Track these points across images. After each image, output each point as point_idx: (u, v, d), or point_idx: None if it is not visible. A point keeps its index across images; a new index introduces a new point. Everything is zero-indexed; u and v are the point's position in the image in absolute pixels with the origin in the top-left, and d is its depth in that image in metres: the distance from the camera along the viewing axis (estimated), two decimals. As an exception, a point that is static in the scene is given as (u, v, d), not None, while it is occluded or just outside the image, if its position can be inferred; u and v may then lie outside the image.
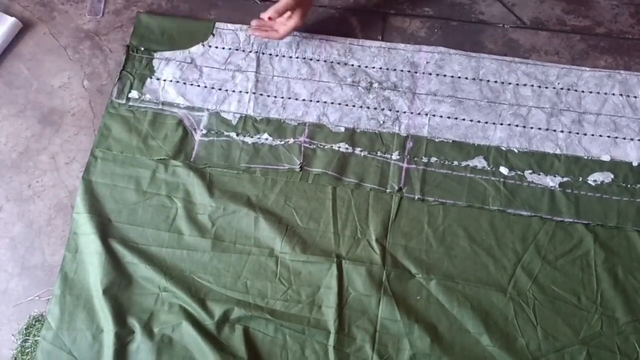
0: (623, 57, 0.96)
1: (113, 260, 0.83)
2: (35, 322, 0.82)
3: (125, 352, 0.79)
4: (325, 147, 0.89)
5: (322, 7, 1.01)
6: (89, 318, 0.81)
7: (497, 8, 1.01)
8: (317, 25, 0.99)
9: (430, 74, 0.93)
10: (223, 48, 0.96)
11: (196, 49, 0.96)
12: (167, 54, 0.96)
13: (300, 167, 0.88)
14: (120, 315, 0.80)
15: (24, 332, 0.82)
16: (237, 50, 0.96)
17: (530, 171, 0.87)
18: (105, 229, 0.85)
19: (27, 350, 0.81)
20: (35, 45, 0.99)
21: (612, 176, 0.87)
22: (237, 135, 0.90)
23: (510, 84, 0.93)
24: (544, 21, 1.00)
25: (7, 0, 1.02)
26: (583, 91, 0.92)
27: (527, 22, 1.00)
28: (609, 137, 0.89)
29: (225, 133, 0.90)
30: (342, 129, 0.91)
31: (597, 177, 0.87)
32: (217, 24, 0.98)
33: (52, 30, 1.00)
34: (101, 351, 0.79)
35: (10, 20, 0.98)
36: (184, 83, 0.94)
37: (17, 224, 0.88)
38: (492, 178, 0.87)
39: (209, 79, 0.94)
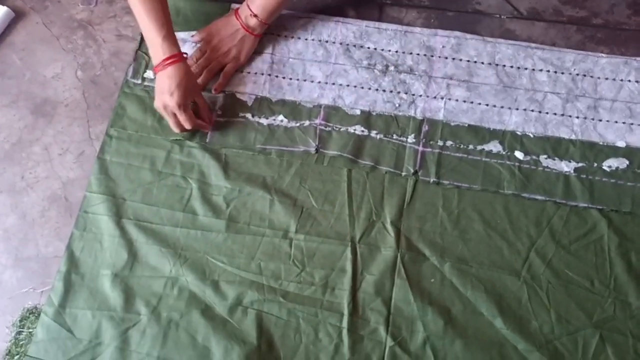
0: (620, 48, 0.96)
1: (126, 242, 0.83)
2: (30, 314, 0.82)
3: (127, 335, 0.79)
4: (341, 129, 0.89)
5: None
6: (91, 298, 0.80)
7: None
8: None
9: (447, 57, 0.93)
10: (238, 29, 0.96)
11: (211, 30, 0.96)
12: (182, 34, 0.95)
13: (316, 149, 0.88)
14: (127, 298, 0.80)
15: (18, 324, 0.81)
16: (252, 31, 0.96)
17: (546, 156, 0.87)
18: (119, 209, 0.85)
19: (21, 343, 0.80)
20: (27, 35, 0.98)
21: (627, 162, 0.87)
22: (253, 116, 0.90)
23: (526, 69, 0.92)
24: (540, 12, 0.99)
25: None
26: (599, 77, 0.92)
27: (524, 12, 0.99)
28: (624, 123, 0.89)
29: (241, 114, 0.90)
30: (358, 112, 0.90)
31: (612, 163, 0.87)
32: (233, 5, 0.97)
33: (45, 20, 1.00)
34: (100, 331, 0.79)
35: (2, 10, 0.97)
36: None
37: (10, 216, 0.88)
38: (507, 162, 0.87)
39: (224, 60, 0.94)
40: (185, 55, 0.85)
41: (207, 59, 0.91)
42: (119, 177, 0.87)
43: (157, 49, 0.83)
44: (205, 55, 0.91)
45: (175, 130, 0.86)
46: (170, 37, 0.83)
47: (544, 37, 0.97)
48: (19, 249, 0.86)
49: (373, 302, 0.80)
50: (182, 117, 0.84)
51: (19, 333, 0.81)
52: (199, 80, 0.90)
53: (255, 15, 0.88)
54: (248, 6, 0.88)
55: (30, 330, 0.80)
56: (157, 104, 0.85)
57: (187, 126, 0.85)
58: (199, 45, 0.93)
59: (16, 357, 0.79)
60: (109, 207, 0.85)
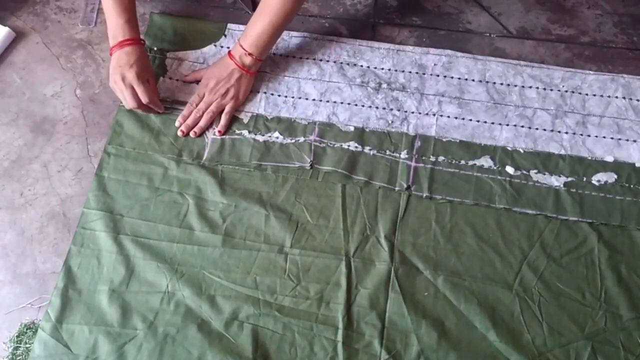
0: (607, 65, 0.98)
1: (123, 258, 0.84)
2: (27, 329, 0.82)
3: (124, 350, 0.79)
4: (335, 145, 0.91)
5: (312, 17, 1.03)
6: (88, 313, 0.81)
7: (484, 17, 1.03)
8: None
9: (438, 75, 0.95)
10: (234, 48, 0.98)
11: (208, 49, 0.98)
12: (179, 53, 0.98)
13: (311, 165, 0.89)
14: (124, 313, 0.81)
15: (15, 339, 0.82)
16: (248, 50, 0.98)
17: (536, 171, 0.89)
18: (116, 226, 0.86)
19: (18, 358, 0.80)
20: (28, 55, 1.00)
21: (616, 176, 0.89)
22: (249, 133, 0.92)
23: (516, 86, 0.95)
24: (529, 30, 1.02)
25: (0, 10, 1.03)
26: (587, 94, 0.94)
27: (513, 31, 1.02)
28: (612, 138, 0.91)
29: (237, 131, 0.92)
30: (352, 128, 0.92)
31: (601, 178, 0.89)
32: (229, 25, 1.00)
33: (45, 40, 1.02)
34: (97, 347, 0.79)
35: (3, 31, 0.99)
36: (197, 83, 0.95)
37: (8, 232, 0.88)
38: (499, 177, 0.89)
39: (220, 79, 0.96)
40: (142, 42, 0.89)
41: (205, 102, 0.91)
42: (116, 193, 0.88)
43: (117, 30, 0.86)
44: (204, 99, 0.92)
45: (131, 104, 0.88)
46: (132, 22, 0.87)
47: (534, 55, 0.99)
48: (17, 264, 0.87)
49: (367, 315, 0.81)
50: (140, 89, 0.86)
51: (16, 348, 0.81)
52: (200, 124, 0.91)
53: (250, 54, 0.89)
54: (241, 46, 0.90)
55: (28, 345, 0.81)
56: (114, 77, 0.87)
57: (145, 99, 0.87)
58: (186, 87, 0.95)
59: (13, 373, 0.80)
60: (106, 223, 0.86)
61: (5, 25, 1.00)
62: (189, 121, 0.91)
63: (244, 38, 0.90)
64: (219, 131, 0.91)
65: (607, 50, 1.00)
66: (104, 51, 1.00)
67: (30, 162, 0.93)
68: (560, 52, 1.00)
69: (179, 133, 0.91)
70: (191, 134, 0.91)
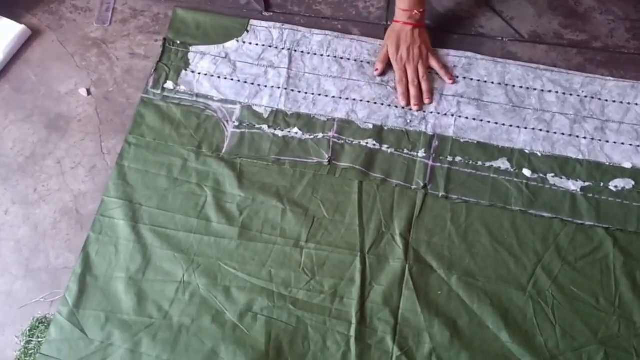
0: (619, 71, 0.98)
1: (141, 247, 0.85)
2: (39, 324, 0.83)
3: (138, 338, 0.80)
4: (353, 142, 0.92)
5: (325, 19, 1.03)
6: (105, 300, 0.82)
7: (497, 22, 1.03)
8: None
9: (458, 76, 0.96)
10: (257, 44, 0.99)
11: (230, 45, 0.99)
12: (202, 48, 0.99)
13: (329, 161, 0.90)
14: (140, 302, 0.82)
15: (28, 333, 0.82)
16: (270, 47, 0.99)
17: (553, 174, 0.89)
18: (135, 215, 0.87)
19: (30, 352, 0.81)
20: (43, 52, 1.02)
21: (633, 183, 0.88)
22: (268, 128, 0.93)
23: (535, 89, 0.95)
24: (541, 35, 1.02)
25: (17, 8, 1.05)
26: (607, 100, 0.94)
27: (526, 35, 1.02)
28: (631, 145, 0.91)
29: (257, 125, 0.93)
30: (370, 126, 0.93)
31: (618, 183, 0.89)
32: (252, 21, 1.01)
33: (60, 38, 1.03)
34: (112, 333, 0.80)
35: (19, 28, 1.00)
36: (218, 77, 0.97)
37: (22, 227, 0.90)
38: (515, 179, 0.89)
39: (242, 74, 0.97)
40: None
41: (412, 70, 0.94)
42: (136, 183, 0.89)
43: None
44: (410, 69, 0.94)
45: None
46: None
47: (545, 59, 0.99)
48: (30, 259, 0.87)
49: (381, 312, 0.82)
50: None
51: (29, 342, 0.82)
52: (424, 88, 0.94)
53: (418, 11, 0.93)
54: (403, 10, 0.93)
55: (40, 339, 0.81)
56: None
57: None
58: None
59: (26, 366, 0.81)
60: (125, 212, 0.87)
61: (21, 23, 1.01)
62: (413, 93, 0.93)
63: (402, 3, 0.93)
64: (450, 79, 0.95)
65: (619, 55, 1.00)
66: (118, 50, 1.01)
67: (44, 159, 0.94)
68: (572, 57, 1.00)
69: (415, 108, 0.94)
70: (425, 101, 0.94)
